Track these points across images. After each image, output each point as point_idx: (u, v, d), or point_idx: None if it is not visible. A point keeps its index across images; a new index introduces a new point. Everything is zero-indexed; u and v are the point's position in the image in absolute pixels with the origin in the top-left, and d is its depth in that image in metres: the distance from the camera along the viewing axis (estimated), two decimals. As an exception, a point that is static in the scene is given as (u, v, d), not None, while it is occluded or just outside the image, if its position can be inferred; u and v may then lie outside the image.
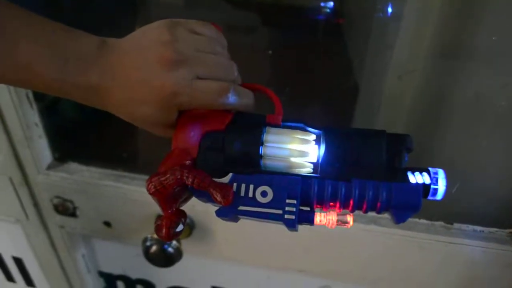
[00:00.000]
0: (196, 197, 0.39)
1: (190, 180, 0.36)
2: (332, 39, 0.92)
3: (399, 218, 0.36)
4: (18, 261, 1.00)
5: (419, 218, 0.74)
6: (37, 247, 0.94)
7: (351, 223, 0.38)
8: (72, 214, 0.84)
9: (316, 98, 0.89)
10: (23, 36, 0.36)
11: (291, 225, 0.36)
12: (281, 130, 0.40)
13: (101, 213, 0.83)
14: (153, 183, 0.37)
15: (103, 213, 0.83)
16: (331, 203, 0.37)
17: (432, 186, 0.37)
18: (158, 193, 0.37)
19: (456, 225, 0.73)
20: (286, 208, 0.36)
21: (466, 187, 0.80)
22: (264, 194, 0.37)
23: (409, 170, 0.37)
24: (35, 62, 0.36)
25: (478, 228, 0.73)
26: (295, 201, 0.36)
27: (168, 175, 0.37)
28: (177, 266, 0.91)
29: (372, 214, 0.74)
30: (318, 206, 0.38)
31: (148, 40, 0.39)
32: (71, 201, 0.83)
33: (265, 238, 0.79)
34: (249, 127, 0.40)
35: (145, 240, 0.75)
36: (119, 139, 0.86)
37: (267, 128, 0.40)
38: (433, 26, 0.69)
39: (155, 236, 0.75)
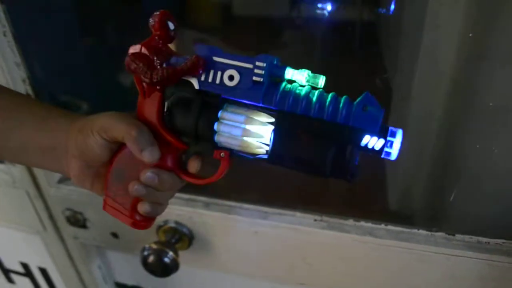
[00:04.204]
0: None
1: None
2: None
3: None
4: (44, 271, 1.06)
5: (418, 229, 0.70)
6: (56, 258, 0.99)
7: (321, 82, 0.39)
8: (83, 225, 0.88)
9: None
10: None
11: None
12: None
13: (108, 225, 0.87)
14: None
15: (110, 225, 0.86)
16: None
17: (389, 138, 0.36)
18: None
19: (458, 236, 0.69)
20: (255, 71, 0.38)
21: (472, 195, 0.75)
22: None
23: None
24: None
25: (483, 239, 0.68)
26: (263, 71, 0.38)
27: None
28: (189, 277, 0.92)
29: (367, 224, 0.71)
30: None
31: None
32: (81, 213, 0.87)
33: (265, 250, 0.79)
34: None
35: (143, 249, 0.77)
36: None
37: None
38: (463, 29, 0.68)
39: (153, 246, 0.77)
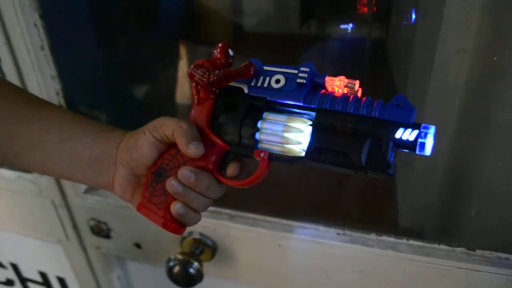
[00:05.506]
0: None
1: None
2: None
3: None
4: (62, 281, 1.07)
5: (439, 244, 0.72)
6: (76, 267, 1.00)
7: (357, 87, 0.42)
8: (107, 235, 0.90)
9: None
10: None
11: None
12: None
13: (132, 235, 0.89)
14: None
15: (134, 235, 0.88)
16: None
17: (422, 130, 0.38)
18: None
19: (478, 252, 0.71)
20: (300, 74, 0.43)
21: (491, 210, 0.78)
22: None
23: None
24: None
25: (503, 255, 0.70)
26: (307, 74, 0.43)
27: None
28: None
29: (389, 239, 0.73)
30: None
31: None
32: (105, 223, 0.89)
33: (287, 263, 0.80)
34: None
35: (168, 260, 0.79)
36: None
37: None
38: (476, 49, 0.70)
39: (178, 256, 0.79)
